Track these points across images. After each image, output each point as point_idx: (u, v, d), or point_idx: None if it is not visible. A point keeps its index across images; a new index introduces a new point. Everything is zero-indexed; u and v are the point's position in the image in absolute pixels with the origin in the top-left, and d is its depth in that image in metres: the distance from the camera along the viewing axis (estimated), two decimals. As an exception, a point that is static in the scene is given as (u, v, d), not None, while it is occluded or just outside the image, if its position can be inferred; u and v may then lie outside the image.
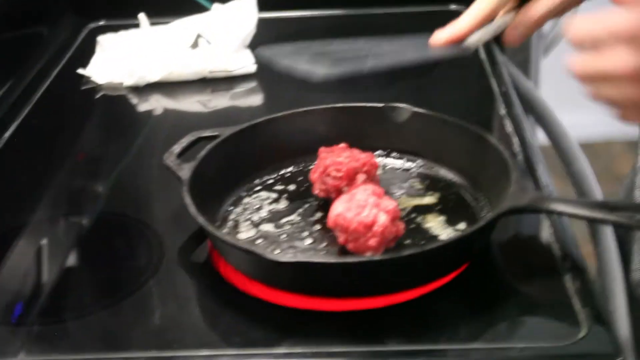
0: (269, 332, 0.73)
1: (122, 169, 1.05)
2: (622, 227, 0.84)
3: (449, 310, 0.74)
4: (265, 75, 1.26)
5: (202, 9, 1.37)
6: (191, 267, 0.83)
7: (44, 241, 0.91)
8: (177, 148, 0.89)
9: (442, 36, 0.83)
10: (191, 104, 1.24)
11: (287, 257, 0.78)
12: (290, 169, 0.95)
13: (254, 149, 0.93)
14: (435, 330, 0.71)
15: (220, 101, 1.24)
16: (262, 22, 1.33)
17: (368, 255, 0.77)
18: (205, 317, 0.76)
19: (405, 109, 0.95)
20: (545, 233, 0.84)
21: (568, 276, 0.77)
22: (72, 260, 0.88)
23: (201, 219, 0.78)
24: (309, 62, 0.83)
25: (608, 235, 0.83)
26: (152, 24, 1.35)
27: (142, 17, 1.35)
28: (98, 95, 1.24)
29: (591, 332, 0.69)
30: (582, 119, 1.05)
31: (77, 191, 1.01)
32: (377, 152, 0.96)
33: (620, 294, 0.73)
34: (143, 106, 1.22)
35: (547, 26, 1.38)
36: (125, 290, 0.79)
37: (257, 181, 0.93)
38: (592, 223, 0.85)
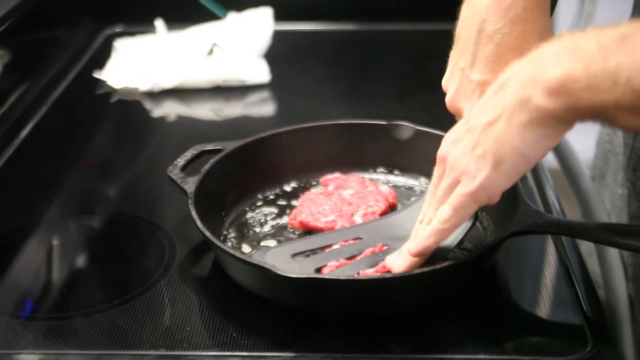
0: (277, 336, 0.74)
1: (135, 172, 1.06)
2: (629, 250, 0.84)
3: (457, 325, 0.75)
4: (278, 85, 1.27)
5: (217, 17, 1.39)
6: (201, 269, 0.83)
7: (56, 239, 0.92)
8: (180, 161, 0.89)
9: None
10: (204, 111, 1.25)
11: (296, 273, 0.74)
12: (292, 184, 0.95)
13: (257, 163, 0.93)
14: (442, 342, 0.72)
15: (232, 110, 1.25)
16: (276, 35, 1.34)
17: (376, 274, 0.76)
18: (215, 319, 0.76)
19: (408, 127, 0.94)
20: (552, 252, 0.85)
21: (574, 293, 0.78)
22: (83, 259, 0.89)
23: (208, 234, 0.78)
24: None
25: (614, 255, 0.84)
26: (168, 30, 1.36)
27: (158, 23, 1.36)
28: (113, 100, 1.25)
29: (597, 348, 0.70)
30: (590, 144, 1.06)
31: (90, 192, 1.02)
32: (380, 169, 0.97)
33: (625, 312, 0.74)
34: (157, 112, 1.23)
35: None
36: (136, 290, 0.80)
37: (259, 196, 0.93)
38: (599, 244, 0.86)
